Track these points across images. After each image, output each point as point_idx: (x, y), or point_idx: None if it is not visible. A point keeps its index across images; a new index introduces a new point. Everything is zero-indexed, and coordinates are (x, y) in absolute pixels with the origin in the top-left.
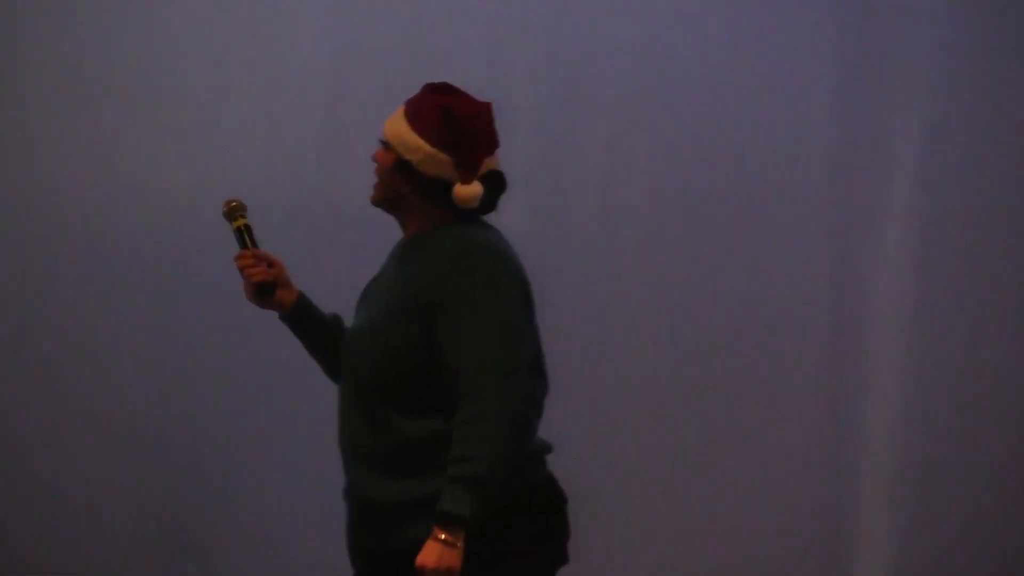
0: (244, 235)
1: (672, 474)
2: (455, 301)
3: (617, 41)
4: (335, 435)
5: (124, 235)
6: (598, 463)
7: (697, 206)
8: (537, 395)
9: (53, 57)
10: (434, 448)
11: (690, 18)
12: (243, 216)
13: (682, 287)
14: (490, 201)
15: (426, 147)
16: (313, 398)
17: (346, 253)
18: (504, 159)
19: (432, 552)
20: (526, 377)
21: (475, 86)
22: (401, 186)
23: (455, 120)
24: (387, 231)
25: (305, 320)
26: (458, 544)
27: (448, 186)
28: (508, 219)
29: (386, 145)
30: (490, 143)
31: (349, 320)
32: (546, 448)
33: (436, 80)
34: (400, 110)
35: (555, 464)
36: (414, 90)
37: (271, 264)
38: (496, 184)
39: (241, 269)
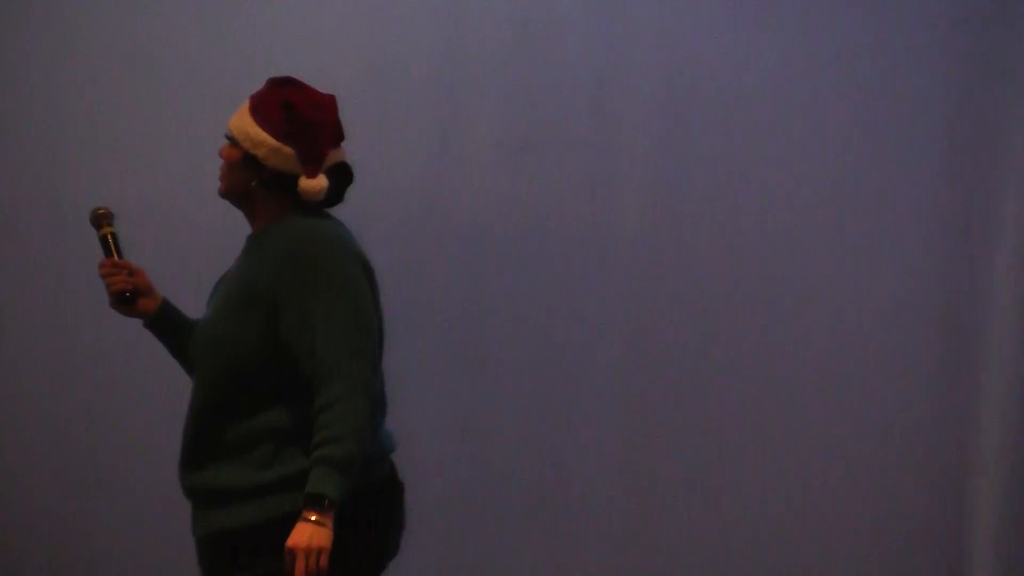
0: (109, 243)
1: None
2: (298, 292)
3: (733, 51)
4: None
5: None
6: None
7: (808, 210)
8: (377, 389)
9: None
10: (269, 440)
11: (807, 26)
12: (109, 224)
13: (799, 294)
14: (337, 193)
15: (270, 141)
16: None
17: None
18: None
19: (303, 532)
20: (375, 363)
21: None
22: (248, 180)
23: (297, 114)
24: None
25: (168, 326)
26: (328, 524)
27: (294, 180)
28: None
29: (232, 140)
30: (334, 135)
31: None
32: (391, 447)
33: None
34: (245, 105)
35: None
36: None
37: (132, 273)
38: (342, 176)
39: (103, 278)
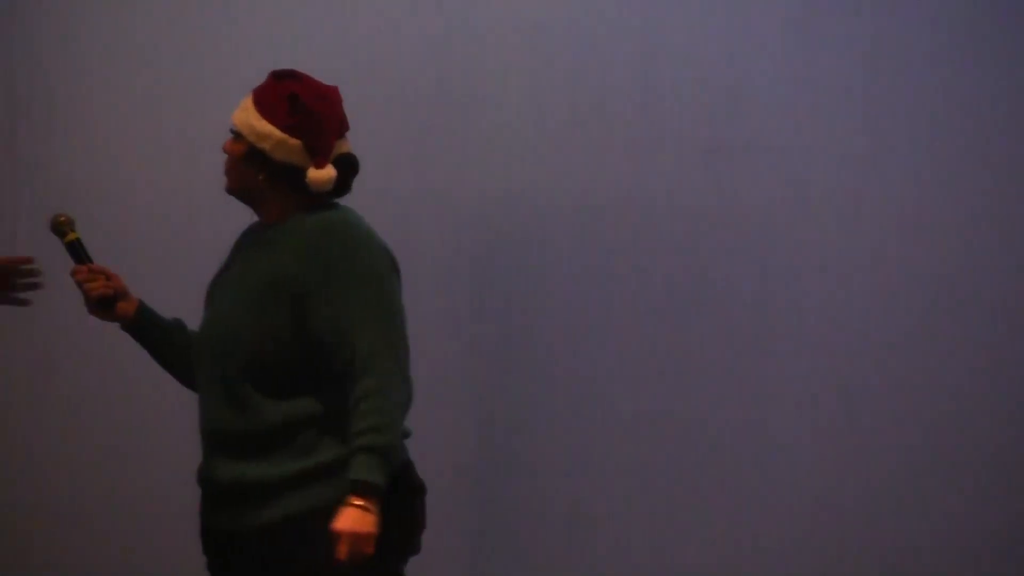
0: (79, 249)
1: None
2: (331, 283)
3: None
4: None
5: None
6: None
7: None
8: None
9: None
10: (301, 429)
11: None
12: (73, 230)
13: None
14: (344, 184)
15: (276, 133)
16: None
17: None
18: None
19: (349, 517)
20: (408, 354)
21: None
22: (255, 174)
23: (302, 105)
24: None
25: (147, 328)
26: (373, 511)
27: (301, 172)
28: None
29: (236, 135)
30: (339, 126)
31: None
32: (407, 433)
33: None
34: (248, 99)
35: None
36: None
37: (108, 277)
38: (348, 167)
39: (79, 284)
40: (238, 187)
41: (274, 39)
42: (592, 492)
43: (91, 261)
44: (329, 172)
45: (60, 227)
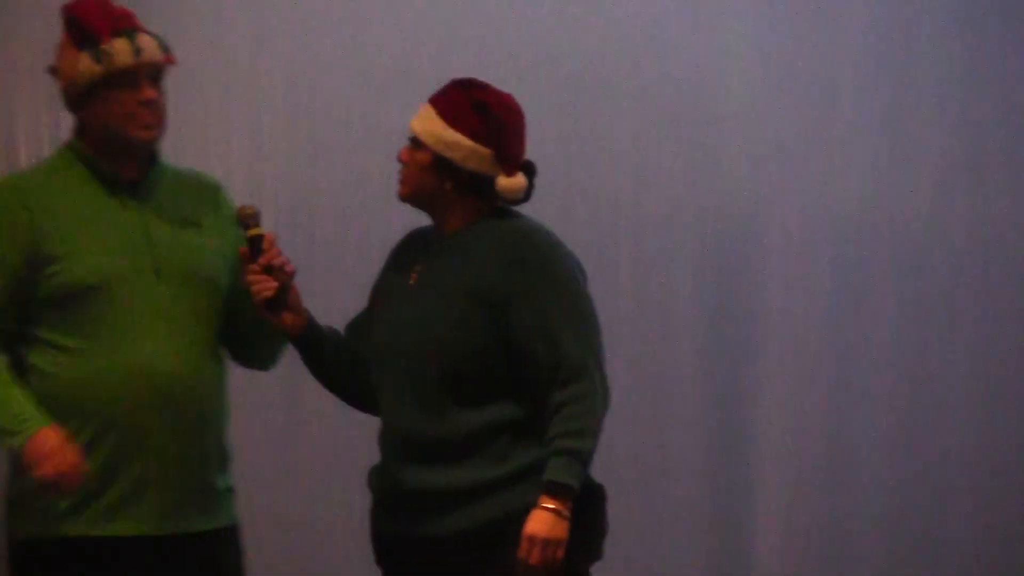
0: (256, 244)
1: None
2: (531, 291)
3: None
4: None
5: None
6: None
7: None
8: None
9: None
10: (499, 435)
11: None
12: (257, 224)
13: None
14: (529, 192)
15: (466, 143)
16: None
17: None
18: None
19: (544, 521)
20: (605, 359)
21: None
22: (441, 183)
23: (492, 114)
24: None
25: (315, 343)
26: (567, 514)
27: (489, 180)
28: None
29: (415, 143)
30: (525, 134)
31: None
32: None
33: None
34: (428, 108)
35: None
36: None
37: (284, 277)
38: (533, 174)
39: (248, 283)
40: (420, 194)
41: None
42: None
43: (268, 258)
44: (520, 181)
45: (245, 219)
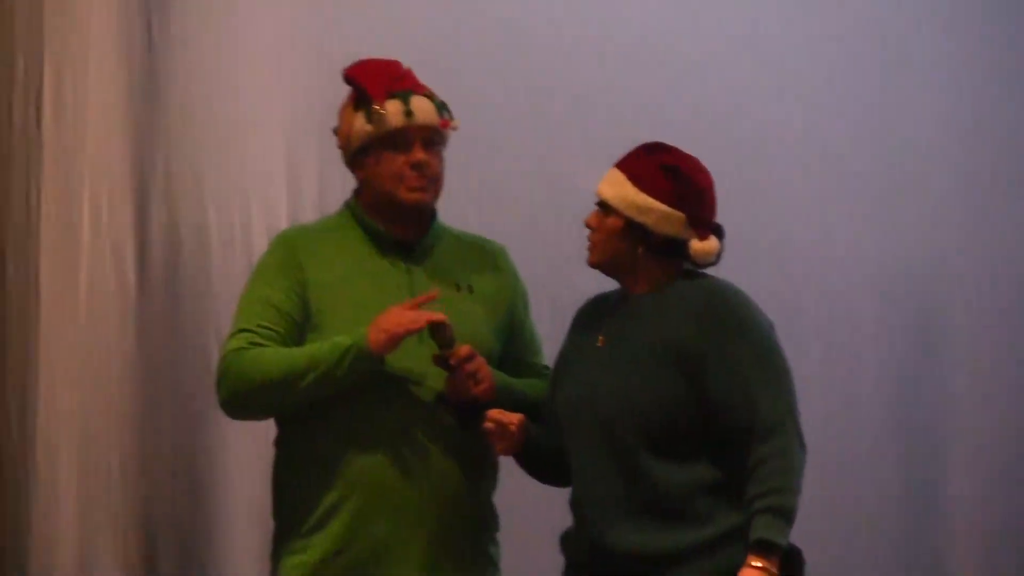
0: (447, 363)
1: None
2: (729, 350)
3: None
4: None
5: None
6: None
7: None
8: None
9: None
10: (700, 496)
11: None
12: (450, 345)
13: None
14: (720, 254)
15: (659, 207)
16: None
17: None
18: None
19: None
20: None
21: None
22: (633, 247)
23: (684, 178)
24: None
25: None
26: (774, 571)
27: (680, 243)
28: None
29: (605, 208)
30: (715, 196)
31: None
32: None
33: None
34: (617, 173)
35: None
36: None
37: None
38: (723, 236)
39: (488, 433)
40: (612, 260)
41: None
42: None
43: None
44: (713, 244)
45: (443, 342)
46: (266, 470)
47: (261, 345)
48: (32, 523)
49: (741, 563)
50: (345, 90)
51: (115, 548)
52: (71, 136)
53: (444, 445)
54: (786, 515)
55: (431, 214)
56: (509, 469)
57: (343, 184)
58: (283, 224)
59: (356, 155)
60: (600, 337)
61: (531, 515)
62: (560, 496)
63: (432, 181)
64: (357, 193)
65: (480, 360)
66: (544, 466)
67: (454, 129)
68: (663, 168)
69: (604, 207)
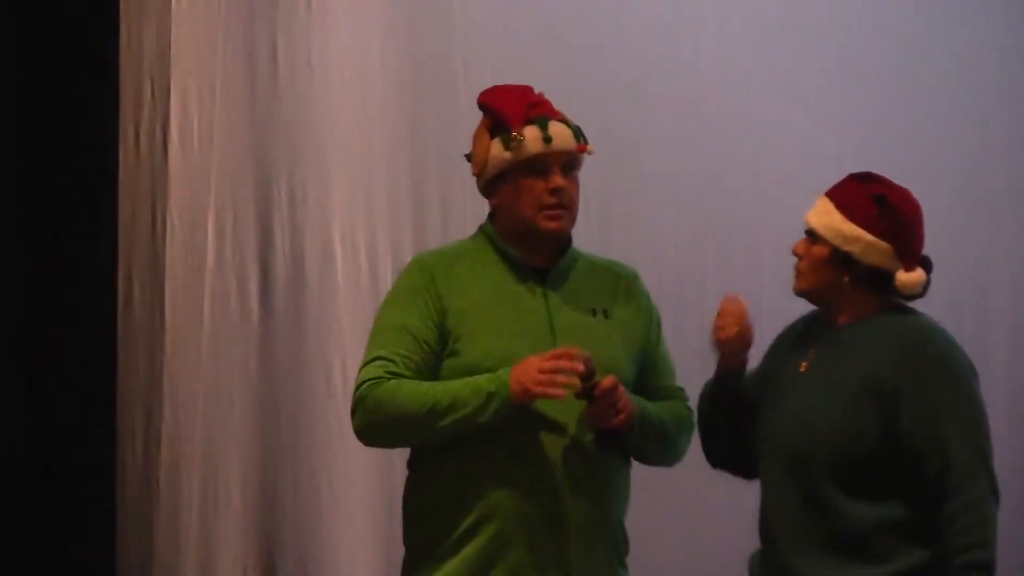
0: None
1: None
2: (927, 389)
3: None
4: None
5: None
6: None
7: None
8: None
9: None
10: (883, 533)
11: None
12: (591, 377)
13: None
14: (927, 287)
15: (866, 237)
16: None
17: None
18: None
19: None
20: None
21: None
22: (838, 277)
23: (892, 208)
24: None
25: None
26: None
27: (886, 274)
28: None
29: (812, 237)
30: (924, 229)
31: None
32: None
33: None
34: (826, 203)
35: None
36: None
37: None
38: (930, 268)
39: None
40: (817, 288)
41: None
42: None
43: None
44: (919, 275)
45: (587, 373)
46: (389, 495)
47: (398, 374)
48: (154, 547)
49: None
50: (467, 113)
51: (234, 574)
52: (197, 162)
53: (581, 470)
54: (989, 570)
55: (567, 240)
56: (637, 493)
57: (464, 206)
58: (409, 249)
59: (492, 182)
60: (804, 363)
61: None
62: (679, 518)
63: (569, 207)
64: (491, 218)
65: (621, 390)
66: (726, 436)
67: (589, 153)
68: (872, 198)
69: (812, 235)
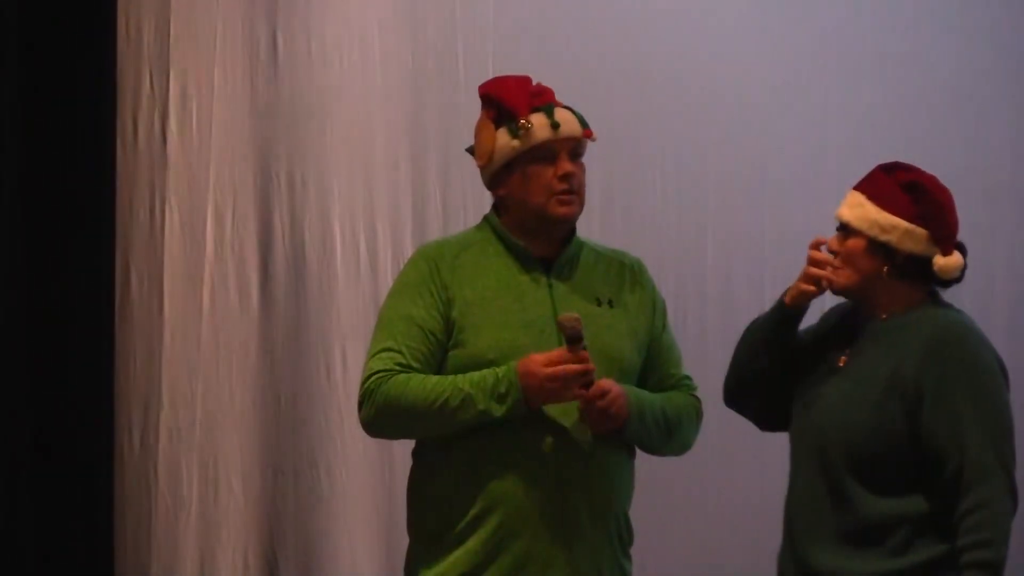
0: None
1: None
2: (950, 387)
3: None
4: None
5: None
6: None
7: None
8: None
9: None
10: (899, 527)
11: None
12: (581, 339)
13: None
14: (963, 271)
15: (903, 224)
16: None
17: None
18: None
19: None
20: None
21: None
22: (877, 267)
23: (926, 194)
24: None
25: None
26: None
27: (924, 261)
28: None
29: (846, 231)
30: (956, 212)
31: None
32: None
33: None
34: (855, 195)
35: None
36: None
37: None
38: (965, 252)
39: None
40: (857, 282)
41: None
42: None
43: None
44: (957, 259)
45: (574, 331)
46: (389, 485)
47: (407, 366)
48: (152, 538)
49: None
50: (468, 101)
51: (234, 564)
52: (196, 152)
53: (585, 462)
54: (994, 568)
55: (572, 229)
56: (641, 484)
57: (464, 194)
58: (409, 239)
59: (499, 172)
60: (842, 358)
61: (659, 530)
62: (685, 513)
63: (579, 192)
64: (495, 209)
65: (612, 396)
66: (759, 371)
67: (593, 140)
68: (903, 185)
69: (845, 230)
